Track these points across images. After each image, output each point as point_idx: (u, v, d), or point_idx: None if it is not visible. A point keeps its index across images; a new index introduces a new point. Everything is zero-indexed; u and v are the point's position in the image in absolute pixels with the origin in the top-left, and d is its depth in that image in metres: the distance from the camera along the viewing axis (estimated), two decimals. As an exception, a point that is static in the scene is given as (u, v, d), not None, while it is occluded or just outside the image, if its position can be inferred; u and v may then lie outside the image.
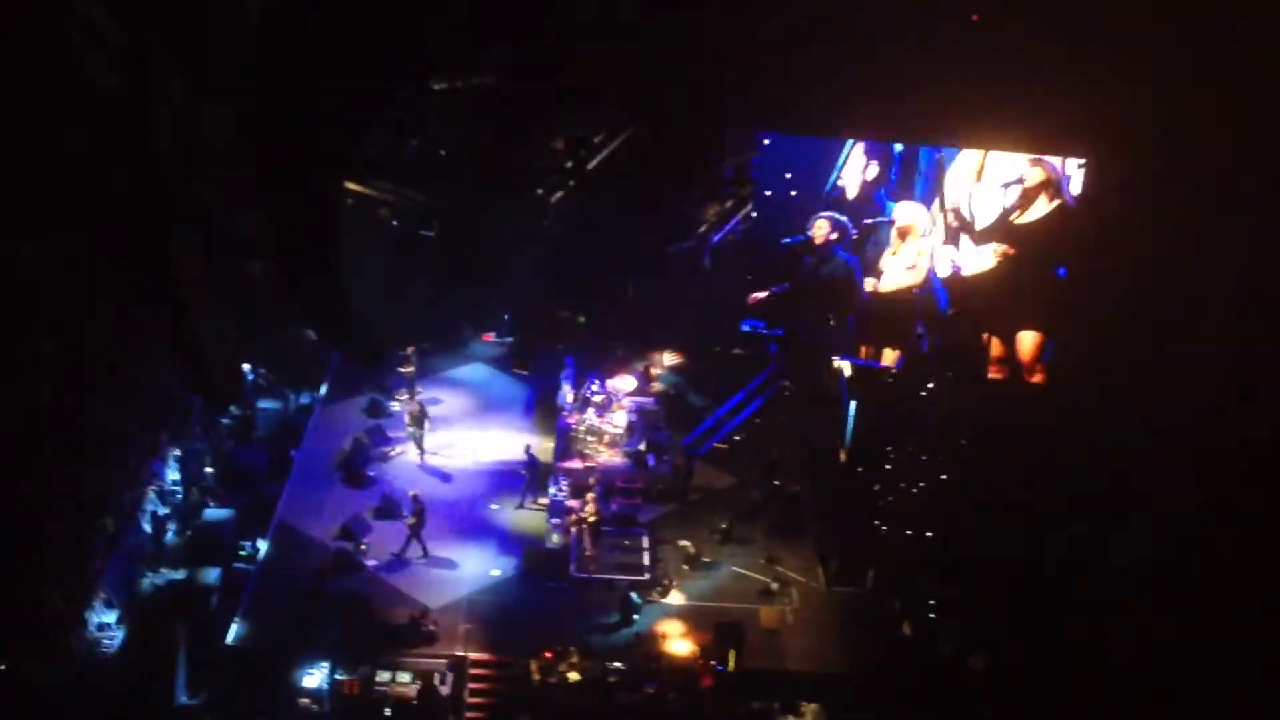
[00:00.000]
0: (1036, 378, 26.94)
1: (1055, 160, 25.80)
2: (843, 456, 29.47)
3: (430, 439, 31.04)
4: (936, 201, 26.91)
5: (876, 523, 27.99)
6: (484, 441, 31.90)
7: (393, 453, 30.77)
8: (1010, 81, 24.61)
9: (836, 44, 25.95)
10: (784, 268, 28.28)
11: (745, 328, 29.19)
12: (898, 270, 27.66)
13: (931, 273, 27.29)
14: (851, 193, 27.32)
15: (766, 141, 27.99)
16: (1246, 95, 22.37)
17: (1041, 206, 26.10)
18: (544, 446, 31.03)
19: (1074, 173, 25.67)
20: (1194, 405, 23.63)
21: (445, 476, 30.35)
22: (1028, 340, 27.02)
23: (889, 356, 28.33)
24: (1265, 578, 21.28)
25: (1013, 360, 27.09)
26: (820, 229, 27.70)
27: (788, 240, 27.94)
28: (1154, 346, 24.25)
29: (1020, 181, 26.09)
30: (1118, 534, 24.36)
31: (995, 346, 27.27)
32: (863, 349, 28.60)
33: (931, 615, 25.75)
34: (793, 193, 27.74)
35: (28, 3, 19.79)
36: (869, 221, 27.31)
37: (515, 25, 27.62)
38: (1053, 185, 25.87)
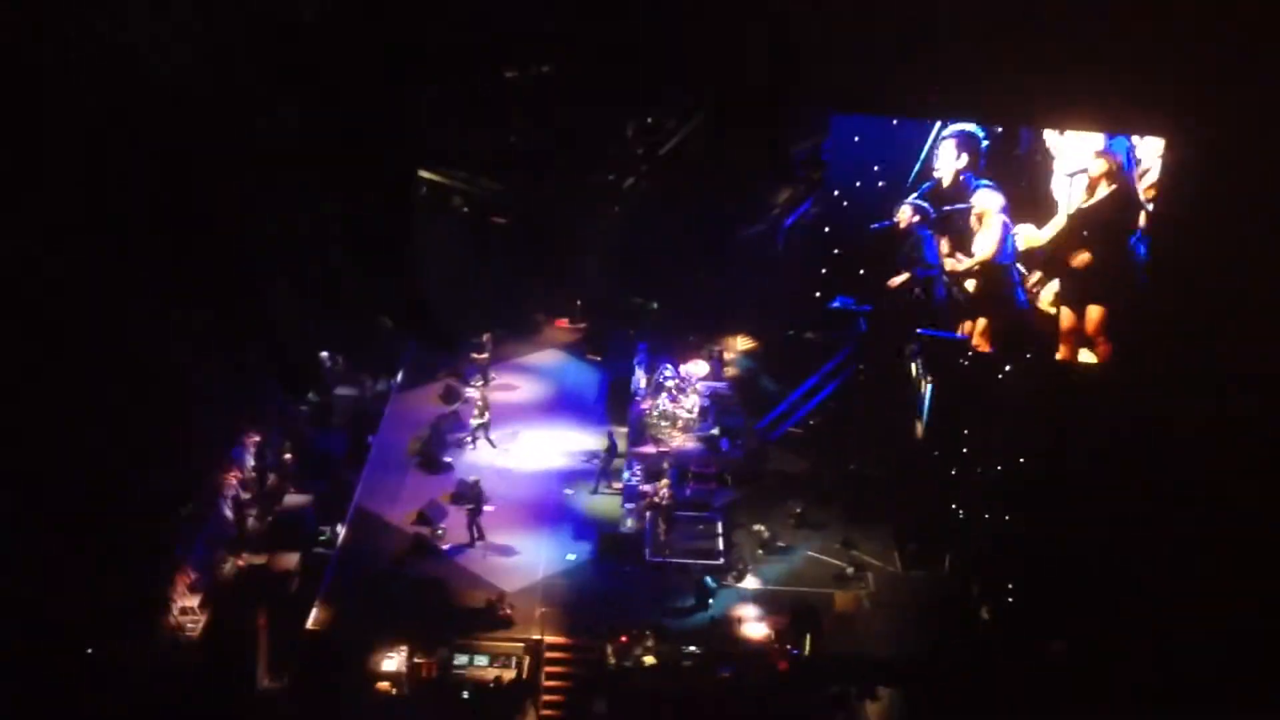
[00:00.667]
0: (1101, 349, 27.77)
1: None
2: (919, 438, 29.26)
3: (496, 427, 31.15)
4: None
5: (954, 506, 27.74)
6: (558, 427, 32.03)
7: (466, 439, 30.91)
8: (1088, 61, 24.34)
9: (913, 24, 25.80)
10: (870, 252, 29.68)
11: (835, 304, 29.67)
12: (979, 249, 28.76)
13: (1005, 246, 28.44)
14: (946, 181, 28.65)
15: (856, 139, 29.00)
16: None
17: (1101, 191, 27.31)
18: (619, 432, 31.12)
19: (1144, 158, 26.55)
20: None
21: (520, 462, 30.47)
22: (1094, 315, 27.93)
23: (979, 327, 28.98)
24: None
25: (1080, 334, 28.05)
26: (904, 214, 29.07)
27: (876, 226, 29.25)
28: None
29: (1085, 171, 27.32)
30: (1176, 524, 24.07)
31: (1065, 319, 28.12)
32: (960, 325, 29.40)
33: (1010, 599, 25.48)
34: (880, 183, 29.03)
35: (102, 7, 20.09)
36: (947, 209, 28.09)
37: (584, 11, 27.69)
38: (1113, 173, 27.10)
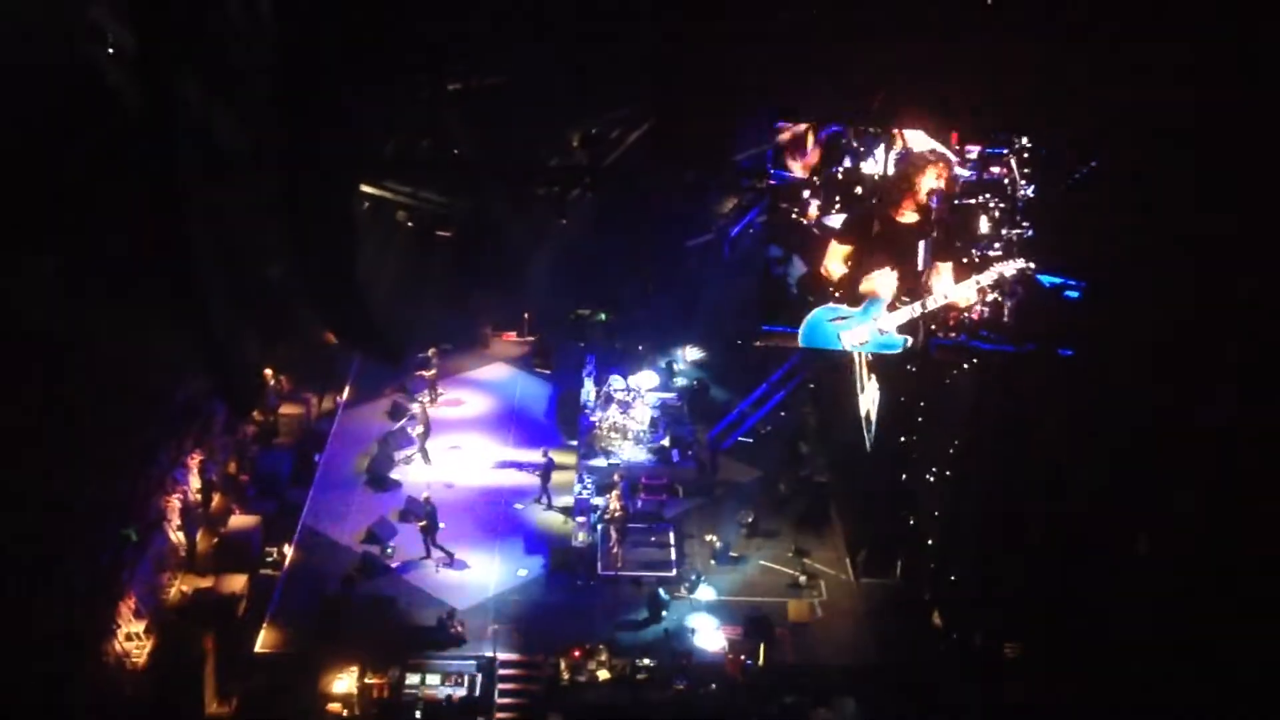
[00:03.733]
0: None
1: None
2: (868, 444, 29.30)
3: (449, 441, 31.05)
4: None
5: (904, 512, 27.79)
6: (507, 441, 31.83)
7: (407, 455, 30.68)
8: (1024, 66, 24.37)
9: (846, 32, 25.83)
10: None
11: None
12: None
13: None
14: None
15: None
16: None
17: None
18: (569, 445, 31.03)
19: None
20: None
21: (469, 477, 30.26)
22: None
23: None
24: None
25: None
26: None
27: None
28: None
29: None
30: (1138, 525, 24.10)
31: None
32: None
33: (961, 605, 25.56)
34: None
35: (43, 16, 19.83)
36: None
37: (530, 21, 27.56)
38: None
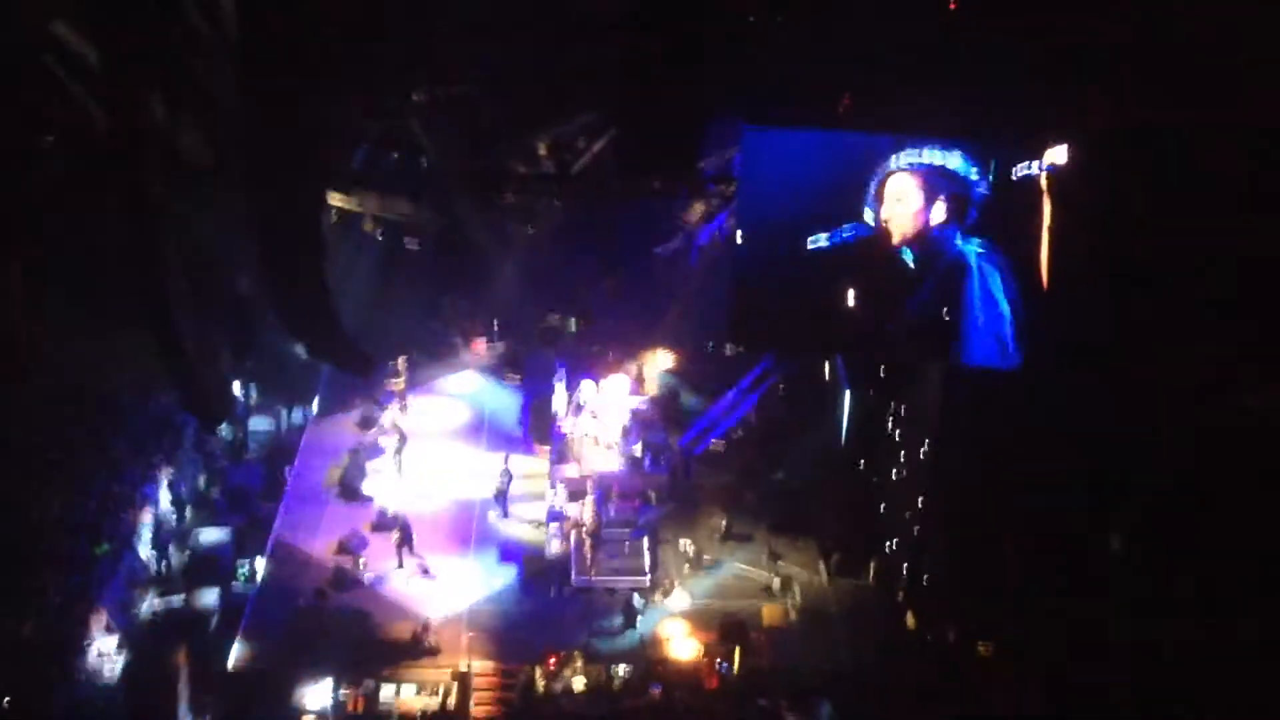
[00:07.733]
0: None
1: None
2: (840, 447, 29.39)
3: (414, 452, 30.94)
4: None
5: (877, 514, 27.88)
6: (478, 450, 31.76)
7: (375, 466, 30.54)
8: (990, 69, 24.45)
9: (815, 33, 25.87)
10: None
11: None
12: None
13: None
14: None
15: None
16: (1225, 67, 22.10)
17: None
18: (540, 453, 31.01)
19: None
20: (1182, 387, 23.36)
21: (440, 488, 30.17)
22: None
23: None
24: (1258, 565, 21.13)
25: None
26: None
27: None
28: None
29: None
30: (1110, 517, 24.21)
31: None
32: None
33: (935, 605, 25.65)
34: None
35: (5, 30, 19.73)
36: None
37: (497, 30, 27.52)
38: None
